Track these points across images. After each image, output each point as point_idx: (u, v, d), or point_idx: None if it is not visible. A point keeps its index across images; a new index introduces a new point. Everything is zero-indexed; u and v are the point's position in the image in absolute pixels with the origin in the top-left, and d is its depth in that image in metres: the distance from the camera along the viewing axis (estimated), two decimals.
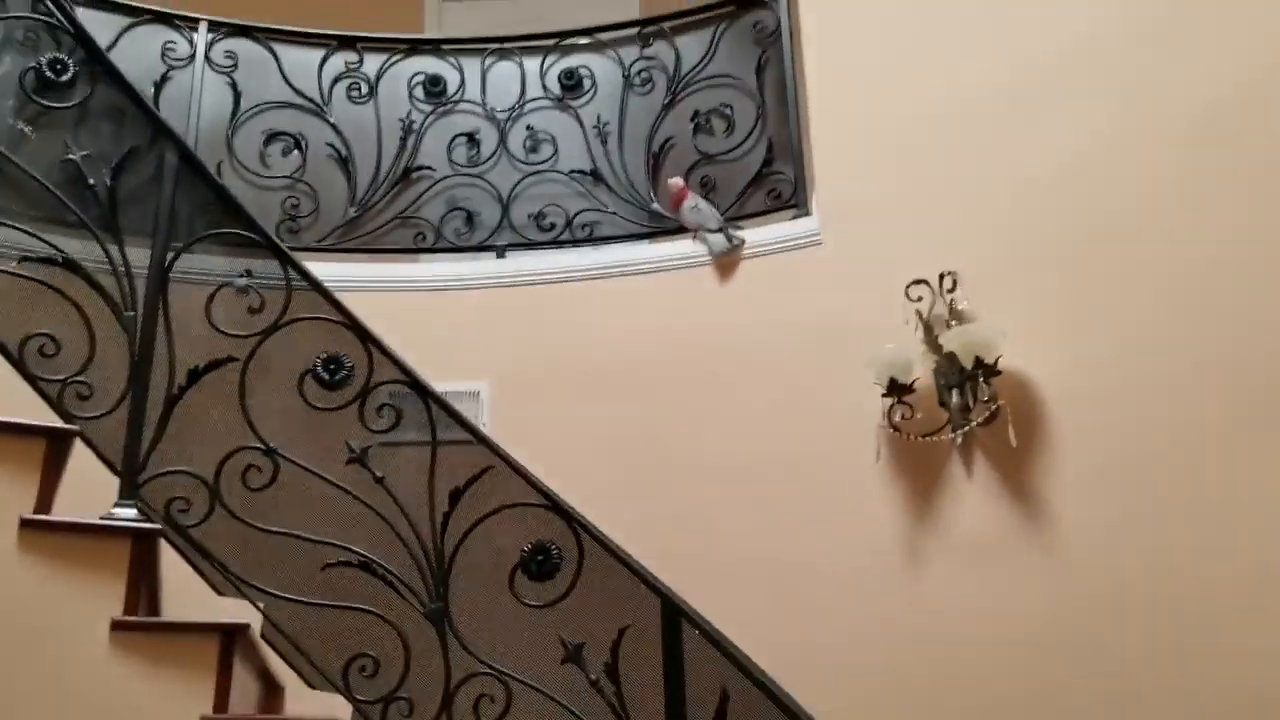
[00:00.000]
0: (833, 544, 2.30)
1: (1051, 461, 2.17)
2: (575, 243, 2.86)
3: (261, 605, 1.58)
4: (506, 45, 3.06)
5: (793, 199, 2.73)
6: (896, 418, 2.26)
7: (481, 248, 2.88)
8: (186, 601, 1.64)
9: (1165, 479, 2.04)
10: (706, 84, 2.89)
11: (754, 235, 2.67)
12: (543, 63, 3.02)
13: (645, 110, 2.92)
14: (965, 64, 2.49)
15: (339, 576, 1.60)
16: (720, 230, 2.66)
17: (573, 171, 2.92)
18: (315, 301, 1.71)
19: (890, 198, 2.50)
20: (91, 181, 1.75)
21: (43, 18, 1.83)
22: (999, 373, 2.17)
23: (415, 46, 3.09)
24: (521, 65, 3.03)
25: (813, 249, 2.58)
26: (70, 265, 1.68)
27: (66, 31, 1.83)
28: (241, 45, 2.95)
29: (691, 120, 2.87)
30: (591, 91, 2.98)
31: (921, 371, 2.26)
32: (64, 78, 1.81)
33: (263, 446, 1.63)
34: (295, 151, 2.89)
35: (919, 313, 2.31)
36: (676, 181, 2.75)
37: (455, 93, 3.00)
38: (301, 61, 2.98)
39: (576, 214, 2.88)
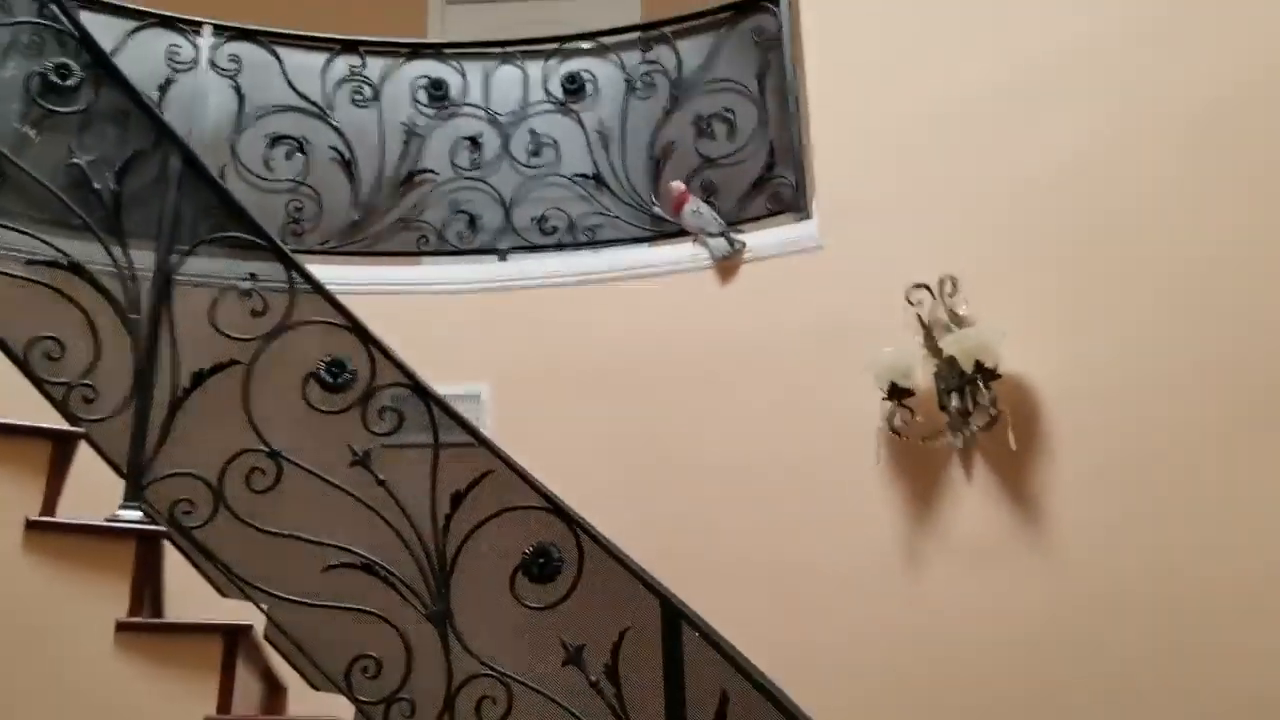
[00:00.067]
0: (833, 544, 2.31)
1: (1051, 464, 2.17)
2: (577, 246, 2.87)
3: (265, 606, 1.59)
4: (509, 49, 3.07)
5: (793, 203, 2.73)
6: (897, 421, 2.26)
7: (483, 251, 2.89)
8: (190, 603, 1.65)
9: (1165, 479, 2.04)
10: (708, 88, 2.90)
11: (755, 239, 2.68)
12: (545, 67, 3.02)
13: (647, 114, 2.93)
14: (965, 64, 2.50)
15: (341, 578, 1.61)
16: (721, 234, 2.67)
17: (575, 175, 2.92)
18: (318, 304, 1.72)
19: (890, 198, 2.50)
20: (96, 185, 1.76)
21: (48, 23, 1.85)
22: (999, 377, 2.17)
23: (418, 50, 3.10)
24: (524, 69, 3.04)
25: (813, 253, 2.58)
26: (75, 269, 1.69)
27: (71, 36, 1.85)
28: (245, 49, 2.96)
29: (693, 124, 2.87)
30: (594, 95, 2.98)
31: (922, 375, 2.26)
32: (69, 82, 1.82)
33: (266, 449, 1.64)
34: (298, 155, 2.90)
35: (919, 316, 2.31)
36: (678, 185, 2.75)
37: (458, 96, 3.01)
38: (305, 65, 2.99)
39: (578, 217, 2.89)
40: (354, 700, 1.56)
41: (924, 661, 2.16)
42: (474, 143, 2.97)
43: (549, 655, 1.57)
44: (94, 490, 1.62)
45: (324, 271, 1.88)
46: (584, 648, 1.56)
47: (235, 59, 2.95)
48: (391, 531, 1.62)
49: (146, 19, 2.90)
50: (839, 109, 2.65)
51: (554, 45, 3.05)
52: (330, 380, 1.67)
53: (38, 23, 1.85)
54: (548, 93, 3.01)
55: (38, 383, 1.65)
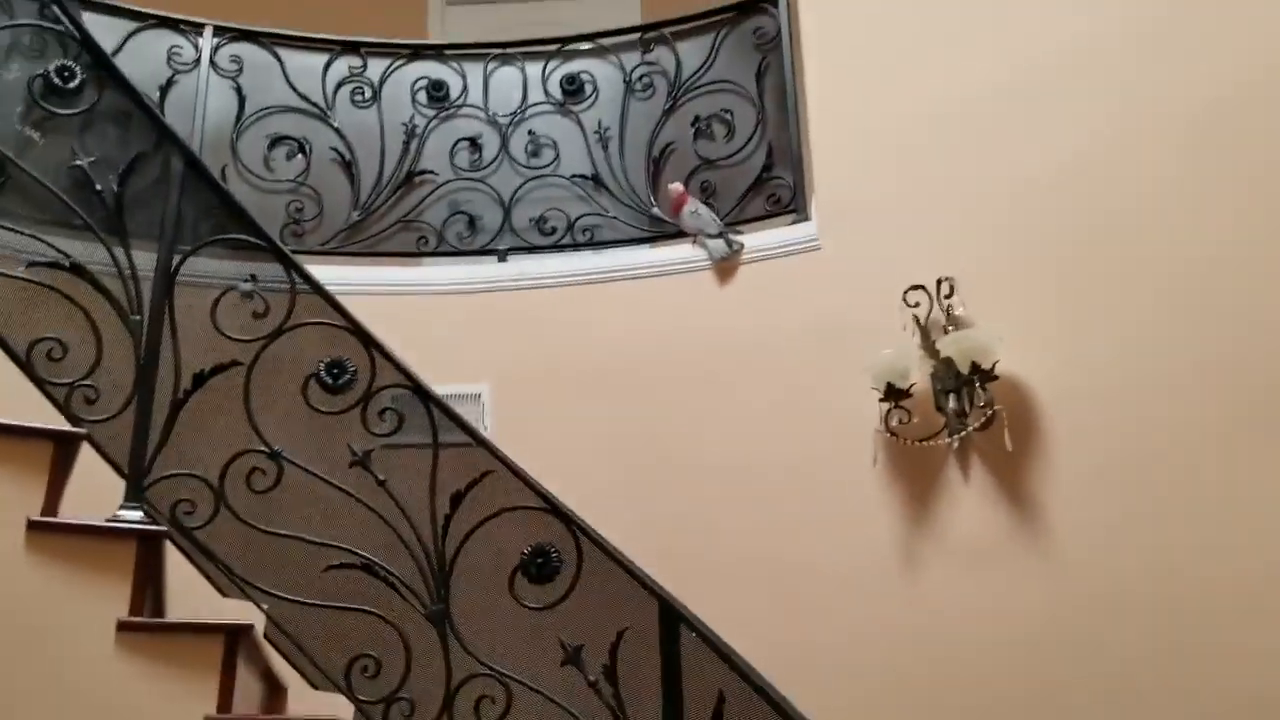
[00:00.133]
0: (832, 544, 2.31)
1: (1048, 465, 2.17)
2: (576, 247, 2.87)
3: (265, 606, 1.60)
4: (509, 50, 3.07)
5: (792, 204, 2.74)
6: (894, 422, 2.26)
7: (483, 251, 2.89)
8: (191, 602, 1.66)
9: (1165, 479, 2.04)
10: (707, 89, 2.90)
11: (753, 240, 2.68)
12: (544, 68, 3.03)
13: (646, 115, 2.93)
14: (965, 64, 2.50)
15: (341, 578, 1.62)
16: (720, 235, 2.67)
17: (574, 176, 2.93)
18: (319, 305, 1.72)
19: (890, 198, 2.50)
20: (99, 187, 1.77)
21: (50, 24, 1.85)
22: (995, 378, 2.17)
23: (418, 51, 3.10)
24: (523, 70, 3.04)
25: (812, 253, 2.58)
26: (77, 269, 1.70)
27: (73, 38, 1.85)
28: (246, 50, 2.97)
29: (692, 125, 2.88)
30: (593, 96, 2.99)
31: (919, 377, 2.26)
32: (71, 84, 1.82)
33: (267, 450, 1.64)
34: (299, 155, 2.91)
35: (916, 318, 2.31)
36: (676, 187, 2.76)
37: (458, 97, 3.01)
38: (305, 66, 3.00)
39: (578, 218, 2.89)
40: (354, 700, 1.56)
41: (923, 661, 2.16)
42: (474, 143, 2.97)
43: (548, 655, 1.57)
44: (96, 490, 1.62)
45: (324, 272, 1.89)
46: (582, 648, 1.57)
47: (236, 60, 2.96)
48: (391, 532, 1.63)
49: (147, 20, 2.91)
50: (838, 110, 2.65)
51: (554, 46, 3.05)
52: (331, 381, 1.68)
53: (40, 25, 1.86)
54: (547, 93, 3.01)
55: (40, 383, 1.65)
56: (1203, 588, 1.95)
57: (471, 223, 2.91)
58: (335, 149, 2.93)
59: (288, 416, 1.68)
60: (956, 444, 2.23)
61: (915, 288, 2.32)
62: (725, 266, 2.67)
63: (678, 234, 2.78)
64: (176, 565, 1.66)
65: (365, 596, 1.61)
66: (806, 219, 2.68)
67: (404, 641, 1.58)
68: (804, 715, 1.47)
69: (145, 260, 1.73)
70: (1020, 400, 2.21)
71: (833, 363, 2.39)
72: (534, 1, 4.11)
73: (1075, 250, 2.26)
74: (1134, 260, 2.19)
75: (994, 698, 2.08)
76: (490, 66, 3.05)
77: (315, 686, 1.60)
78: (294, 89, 2.96)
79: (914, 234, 2.44)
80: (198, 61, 2.92)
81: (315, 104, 2.96)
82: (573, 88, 3.00)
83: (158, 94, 2.83)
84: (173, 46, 2.92)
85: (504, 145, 2.97)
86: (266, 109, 2.93)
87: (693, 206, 2.72)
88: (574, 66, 3.02)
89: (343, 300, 1.74)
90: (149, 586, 1.58)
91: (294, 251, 1.83)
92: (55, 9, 1.85)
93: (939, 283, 2.32)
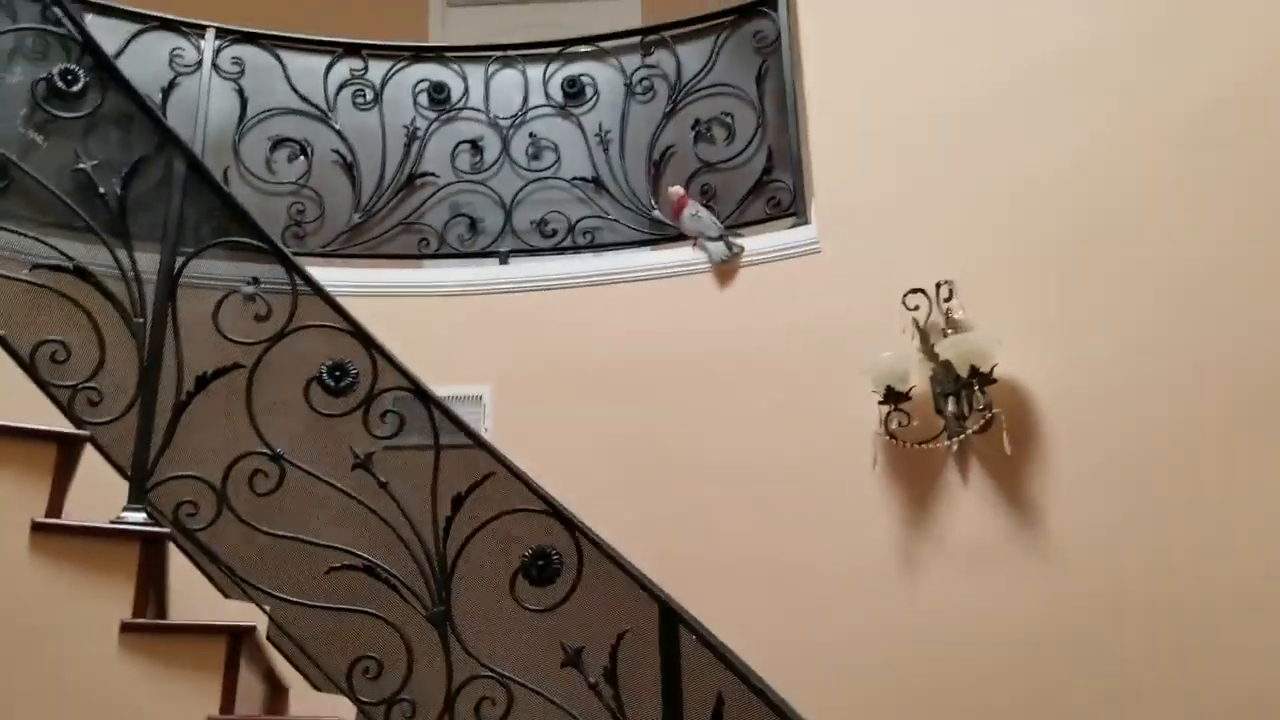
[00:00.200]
0: (832, 545, 2.31)
1: (1047, 466, 2.17)
2: (577, 249, 2.88)
3: (267, 608, 1.60)
4: (510, 53, 3.08)
5: (792, 207, 2.74)
6: (893, 425, 2.26)
7: (484, 254, 2.90)
8: (193, 603, 1.67)
9: (1165, 479, 2.05)
10: (707, 92, 2.91)
11: (753, 243, 2.69)
12: (545, 70, 3.04)
13: (647, 118, 2.94)
14: (965, 65, 2.50)
15: (343, 580, 1.62)
16: (720, 238, 2.68)
17: (575, 179, 2.93)
18: (321, 307, 1.73)
19: (889, 199, 2.51)
20: (102, 189, 1.77)
21: (53, 28, 1.86)
22: (994, 381, 2.18)
23: (419, 54, 3.11)
24: (524, 73, 3.05)
25: (811, 256, 2.59)
26: (80, 272, 1.70)
27: (75, 41, 1.86)
28: (248, 52, 2.98)
29: (692, 128, 2.88)
30: (594, 99, 2.99)
31: (918, 379, 2.26)
32: (74, 88, 1.83)
33: (269, 452, 1.65)
34: (301, 157, 2.92)
35: (915, 321, 2.32)
36: (677, 190, 2.76)
37: (459, 100, 3.02)
38: (307, 68, 3.00)
39: (578, 221, 2.90)
40: (355, 701, 1.57)
41: (923, 662, 2.16)
42: (475, 146, 2.98)
43: (548, 657, 1.58)
44: (99, 492, 1.63)
45: (326, 274, 1.90)
46: (583, 650, 1.57)
47: (238, 62, 2.97)
48: (392, 533, 1.63)
49: (150, 22, 2.92)
50: (837, 113, 2.66)
51: (555, 49, 3.06)
52: (333, 384, 1.68)
53: (43, 28, 1.87)
54: (548, 96, 3.02)
55: (43, 385, 1.66)
56: (1203, 588, 1.95)
57: (473, 225, 2.92)
58: (337, 151, 2.94)
59: (290, 419, 1.69)
60: (955, 447, 2.23)
61: (914, 291, 2.33)
62: (725, 269, 2.67)
63: (678, 237, 2.78)
64: (179, 567, 1.67)
65: (367, 598, 1.61)
66: (806, 222, 2.69)
67: (405, 643, 1.59)
68: (803, 717, 1.47)
69: (148, 263, 1.73)
70: (1020, 402, 2.21)
71: (832, 365, 2.40)
72: (535, 4, 4.12)
73: (1075, 251, 2.26)
74: (1134, 260, 2.19)
75: (994, 698, 2.08)
76: (491, 69, 3.06)
77: (317, 688, 1.61)
78: (296, 91, 2.97)
79: (913, 237, 2.44)
80: (200, 64, 2.93)
81: (317, 106, 2.97)
82: (573, 90, 3.01)
83: (160, 96, 2.84)
84: (175, 49, 2.93)
85: (505, 148, 2.97)
86: (268, 111, 2.94)
87: (693, 209, 2.72)
88: (575, 69, 3.03)
89: (344, 302, 1.75)
90: (152, 588, 1.59)
91: (296, 253, 1.83)
92: (58, 11, 1.86)
93: (938, 286, 2.32)
